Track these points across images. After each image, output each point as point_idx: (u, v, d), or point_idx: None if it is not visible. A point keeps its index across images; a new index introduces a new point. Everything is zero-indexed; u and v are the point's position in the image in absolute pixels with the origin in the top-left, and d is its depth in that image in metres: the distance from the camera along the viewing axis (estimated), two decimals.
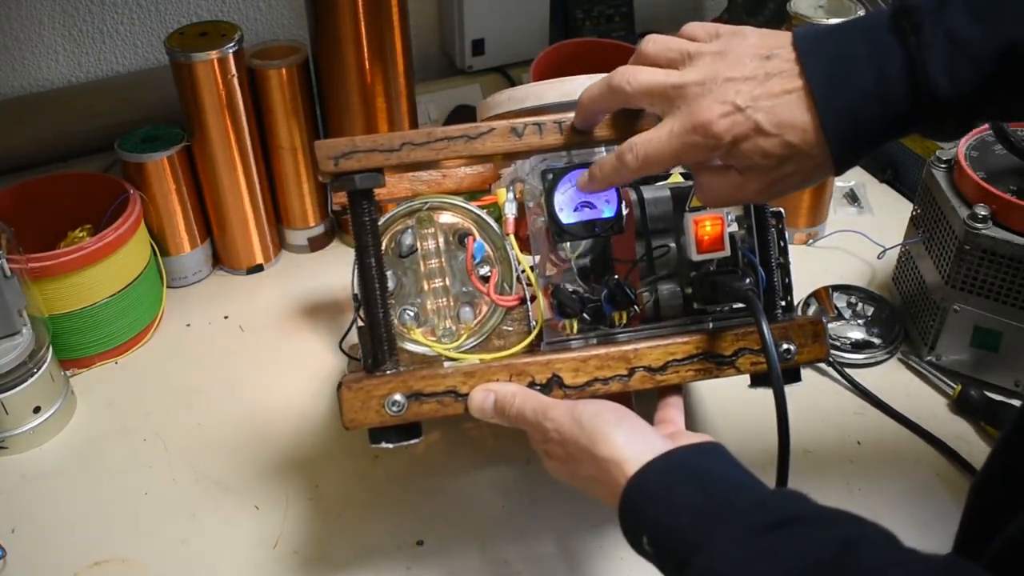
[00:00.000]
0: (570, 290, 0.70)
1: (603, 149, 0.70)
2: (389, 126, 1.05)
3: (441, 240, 0.73)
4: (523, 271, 0.71)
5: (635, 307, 0.69)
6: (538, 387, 0.68)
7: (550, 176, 0.69)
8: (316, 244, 1.13)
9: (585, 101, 0.65)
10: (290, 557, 0.79)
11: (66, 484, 0.86)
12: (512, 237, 0.70)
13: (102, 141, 1.06)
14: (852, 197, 1.17)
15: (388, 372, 0.68)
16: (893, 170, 1.20)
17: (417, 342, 0.71)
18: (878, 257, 1.06)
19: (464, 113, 1.21)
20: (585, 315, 0.70)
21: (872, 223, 1.13)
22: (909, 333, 0.98)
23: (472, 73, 1.24)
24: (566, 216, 0.69)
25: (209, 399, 0.94)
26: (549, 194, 0.69)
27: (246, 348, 1.00)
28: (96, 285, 0.94)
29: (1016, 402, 0.90)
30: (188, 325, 1.03)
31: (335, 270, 1.09)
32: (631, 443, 0.59)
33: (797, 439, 0.68)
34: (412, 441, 0.69)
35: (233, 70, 0.98)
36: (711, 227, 0.68)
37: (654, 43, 0.62)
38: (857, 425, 0.89)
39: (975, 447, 0.87)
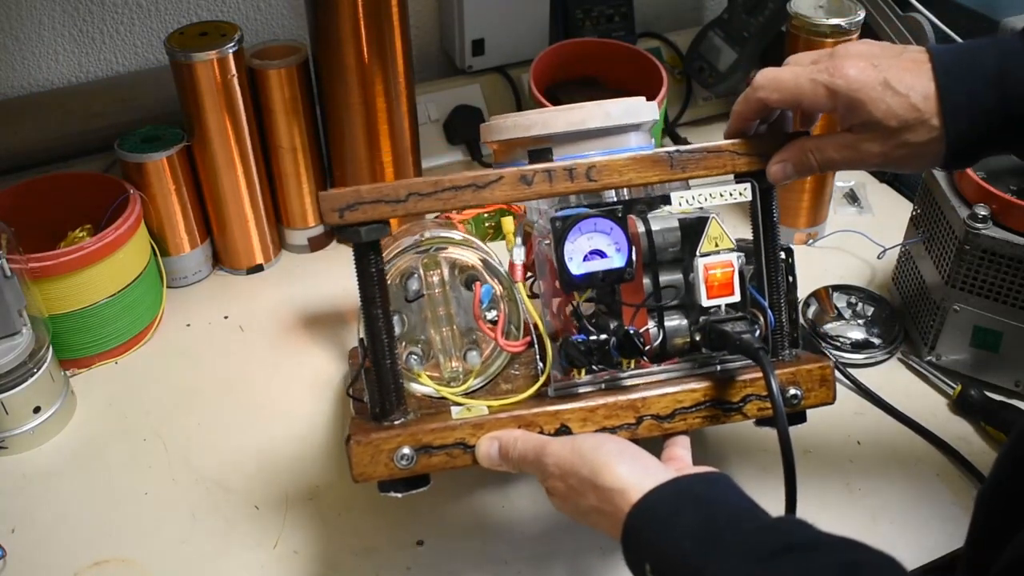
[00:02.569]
0: (578, 339, 0.68)
1: (612, 194, 0.69)
2: (389, 126, 1.05)
3: (448, 282, 0.72)
4: (533, 323, 0.70)
5: (644, 356, 0.68)
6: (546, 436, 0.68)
7: (559, 224, 0.67)
8: (316, 244, 1.13)
9: (731, 114, 0.69)
10: (290, 557, 0.79)
11: (66, 484, 0.86)
12: (521, 285, 0.68)
13: (102, 141, 1.06)
14: (852, 197, 1.17)
15: (396, 422, 0.67)
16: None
17: (423, 384, 0.71)
18: (878, 257, 1.06)
19: (464, 113, 1.21)
20: (594, 367, 0.69)
21: (872, 223, 1.13)
22: (909, 333, 0.98)
23: (472, 73, 1.24)
24: (576, 266, 0.67)
25: (209, 399, 0.94)
26: (559, 244, 0.67)
27: (246, 348, 1.00)
28: (96, 285, 0.94)
29: (1016, 402, 0.90)
30: (188, 325, 1.03)
31: (335, 270, 1.09)
32: (633, 472, 0.59)
33: (797, 439, 0.68)
34: (420, 489, 0.68)
35: (233, 70, 0.98)
36: (722, 273, 0.68)
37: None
38: (857, 425, 0.89)
39: (975, 447, 0.87)
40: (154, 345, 1.01)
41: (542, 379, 0.69)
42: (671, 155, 0.67)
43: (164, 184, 1.01)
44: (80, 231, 1.01)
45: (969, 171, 0.88)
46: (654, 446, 0.67)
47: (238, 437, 0.90)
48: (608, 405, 0.68)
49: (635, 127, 0.72)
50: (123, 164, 1.01)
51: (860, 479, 0.84)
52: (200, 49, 0.96)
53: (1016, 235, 0.84)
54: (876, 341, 0.96)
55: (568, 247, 0.67)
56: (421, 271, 0.72)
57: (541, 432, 0.67)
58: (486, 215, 0.86)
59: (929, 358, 0.93)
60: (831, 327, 0.97)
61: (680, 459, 0.67)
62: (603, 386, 0.70)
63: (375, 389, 0.68)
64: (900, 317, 0.98)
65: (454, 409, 0.69)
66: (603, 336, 0.68)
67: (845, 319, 0.98)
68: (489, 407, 0.69)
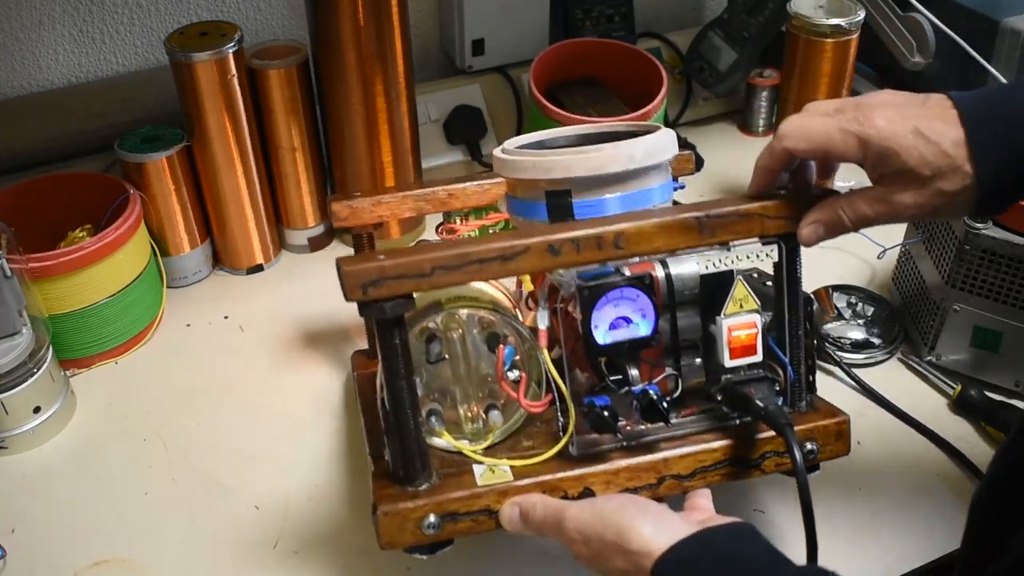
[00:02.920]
0: (602, 403, 0.67)
1: (636, 260, 0.68)
2: (389, 126, 1.05)
3: (469, 341, 0.71)
4: (557, 388, 0.69)
5: (668, 422, 0.68)
6: (570, 499, 0.67)
7: (586, 293, 0.65)
8: (316, 244, 1.13)
9: (756, 167, 0.67)
10: (290, 557, 0.79)
11: (66, 484, 0.86)
12: (546, 351, 0.67)
13: (102, 141, 1.06)
14: None
15: (422, 488, 0.67)
16: None
17: (445, 441, 0.70)
18: (878, 257, 1.06)
19: (464, 113, 1.21)
20: (619, 434, 0.69)
21: None
22: (909, 333, 0.98)
23: (472, 73, 1.24)
24: (601, 334, 0.66)
25: (209, 399, 0.94)
26: (586, 313, 0.65)
27: (246, 348, 1.00)
28: (96, 285, 0.94)
29: (1016, 402, 0.90)
30: (188, 325, 1.03)
31: (335, 270, 1.09)
32: (659, 532, 0.58)
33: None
34: (445, 550, 0.68)
35: (233, 70, 0.98)
36: (746, 335, 0.68)
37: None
38: (858, 425, 0.89)
39: (975, 447, 0.87)
40: (154, 345, 1.01)
41: (564, 440, 0.69)
42: (700, 221, 0.65)
43: (164, 184, 1.01)
44: (80, 231, 1.01)
45: None
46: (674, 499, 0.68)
47: (238, 437, 0.90)
48: (630, 467, 0.68)
49: (656, 166, 0.71)
50: (123, 164, 1.01)
51: (860, 479, 0.84)
52: (200, 49, 0.96)
53: (1016, 235, 0.84)
54: (876, 341, 0.96)
55: (595, 315, 0.66)
56: (442, 331, 0.70)
57: (565, 496, 0.67)
58: (490, 225, 0.86)
59: (929, 358, 0.94)
60: (831, 327, 0.97)
61: (703, 509, 0.67)
62: (624, 444, 0.70)
63: (399, 454, 0.67)
64: (900, 317, 0.99)
65: (477, 469, 0.69)
66: (625, 390, 0.67)
67: (845, 319, 0.98)
68: (512, 467, 0.69)
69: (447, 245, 0.63)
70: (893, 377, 0.94)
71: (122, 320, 0.97)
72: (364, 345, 0.94)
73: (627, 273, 0.67)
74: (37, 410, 0.88)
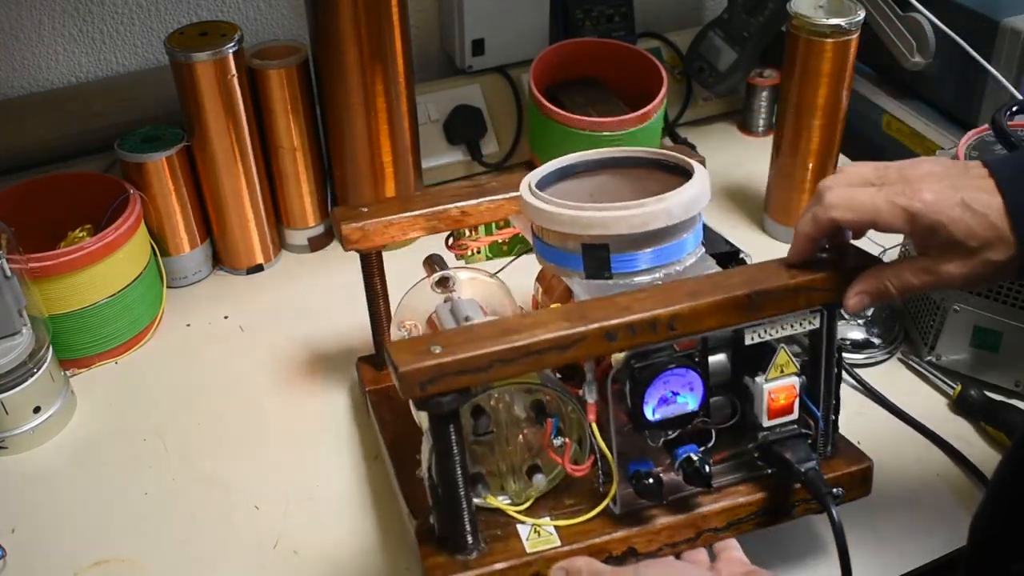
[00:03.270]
0: (645, 468, 0.68)
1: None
2: (389, 126, 1.05)
3: (516, 412, 0.71)
4: (602, 453, 0.68)
5: (711, 486, 0.68)
6: (614, 559, 0.68)
7: (639, 374, 0.64)
8: (316, 244, 1.13)
9: (798, 234, 0.66)
10: (290, 557, 0.79)
11: (66, 484, 0.86)
12: (595, 425, 0.66)
13: (102, 141, 1.06)
14: None
15: (471, 557, 0.67)
16: None
17: (488, 504, 0.70)
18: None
19: (464, 113, 1.21)
20: (664, 502, 0.70)
21: None
22: (909, 333, 0.98)
23: (472, 73, 1.24)
24: (650, 410, 0.66)
25: (209, 399, 0.94)
26: (638, 394, 0.65)
27: (246, 348, 1.00)
28: (96, 285, 0.94)
29: (1016, 402, 0.90)
30: (188, 325, 1.03)
31: (335, 270, 1.09)
32: None
33: None
34: None
35: (233, 70, 0.98)
36: (784, 398, 0.68)
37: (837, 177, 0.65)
38: (857, 424, 0.89)
39: (975, 447, 0.87)
40: (154, 345, 1.01)
41: (607, 500, 0.69)
42: (751, 299, 0.65)
43: (164, 184, 1.01)
44: (80, 231, 1.01)
45: None
46: None
47: (238, 437, 0.90)
48: (671, 526, 0.69)
49: (692, 220, 0.71)
50: (123, 164, 1.01)
51: None
52: (200, 49, 0.96)
53: None
54: (876, 341, 0.96)
55: (646, 394, 0.65)
56: (490, 405, 0.70)
57: (609, 556, 0.68)
58: (502, 241, 0.86)
59: (929, 358, 0.94)
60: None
61: (737, 561, 0.67)
62: (665, 502, 0.70)
63: (448, 526, 0.67)
64: (900, 317, 0.98)
65: (521, 529, 0.69)
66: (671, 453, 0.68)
67: (845, 319, 0.98)
68: (556, 527, 0.69)
69: (502, 334, 0.61)
70: (893, 377, 0.94)
71: (122, 320, 0.97)
72: (364, 345, 0.94)
73: (676, 348, 0.66)
74: (37, 410, 0.88)
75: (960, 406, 0.90)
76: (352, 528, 0.81)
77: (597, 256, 0.70)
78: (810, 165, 1.07)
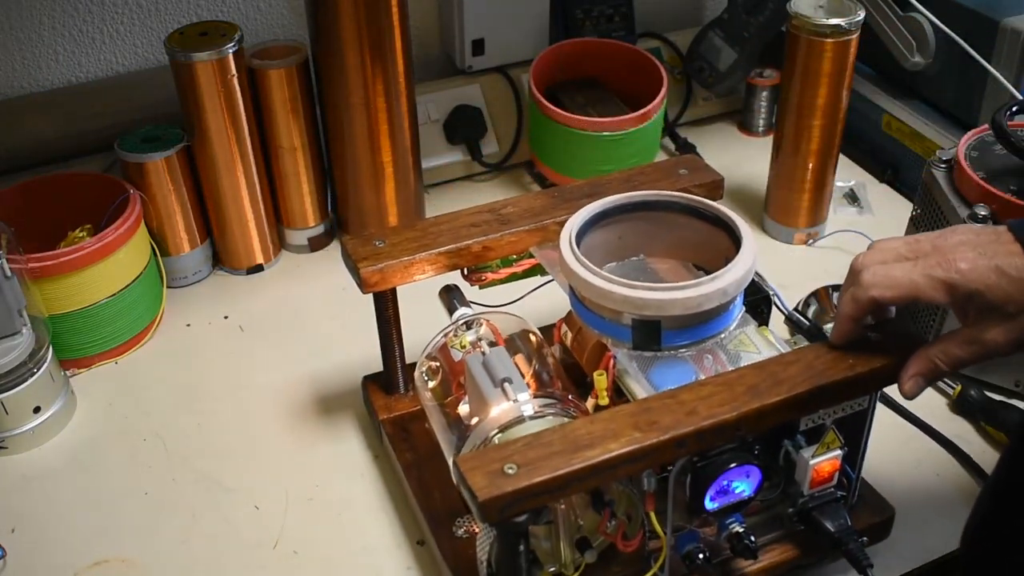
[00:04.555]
0: (695, 546, 0.68)
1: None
2: (389, 126, 1.05)
3: (575, 501, 0.70)
4: (657, 539, 0.69)
5: (756, 557, 0.70)
6: None
7: (701, 467, 0.64)
8: (316, 244, 1.13)
9: (841, 316, 0.67)
10: (290, 557, 0.79)
11: (66, 484, 0.86)
12: (652, 514, 0.66)
13: (102, 141, 1.06)
14: (852, 197, 1.17)
15: None
16: (893, 170, 1.20)
17: None
18: None
19: (464, 113, 1.21)
20: (713, 572, 0.70)
21: (872, 223, 1.13)
22: None
23: (472, 73, 1.24)
24: (708, 500, 0.65)
25: (209, 399, 0.94)
26: (698, 488, 0.65)
27: (246, 348, 1.00)
28: (96, 285, 0.94)
29: (1016, 402, 0.90)
30: (188, 325, 1.03)
31: (335, 270, 1.09)
32: None
33: None
34: None
35: (233, 70, 0.98)
36: (828, 470, 0.69)
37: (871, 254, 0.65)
38: None
39: (975, 447, 0.87)
40: (154, 345, 1.01)
41: (655, 568, 0.69)
42: (813, 394, 0.65)
43: (164, 184, 1.01)
44: (80, 231, 1.01)
45: (969, 171, 0.88)
46: None
47: (238, 437, 0.90)
48: None
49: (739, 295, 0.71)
50: (123, 164, 1.01)
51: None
52: (200, 49, 0.96)
53: None
54: None
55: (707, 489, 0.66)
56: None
57: None
58: (520, 273, 0.85)
59: None
60: (830, 327, 0.97)
61: None
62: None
63: None
64: (900, 317, 0.98)
65: None
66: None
67: None
68: None
69: (575, 449, 0.60)
70: None
71: (122, 320, 0.97)
72: (364, 343, 0.94)
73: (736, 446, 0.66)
74: (37, 410, 0.88)
75: (960, 406, 0.90)
76: (352, 528, 0.81)
77: (647, 332, 0.69)
78: (810, 165, 1.07)
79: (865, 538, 0.72)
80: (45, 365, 0.88)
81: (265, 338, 1.01)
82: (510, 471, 0.59)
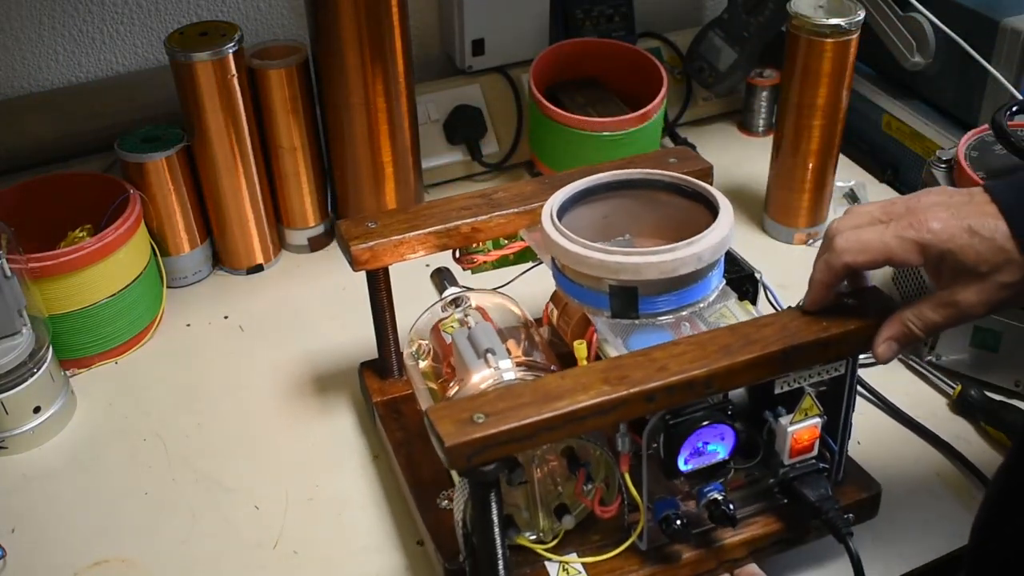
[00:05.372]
0: (673, 511, 0.68)
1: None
2: (389, 126, 1.05)
3: (550, 461, 0.71)
4: (631, 495, 0.69)
5: (734, 524, 0.69)
6: None
7: (673, 426, 0.65)
8: (316, 244, 1.13)
9: (815, 281, 0.66)
10: (290, 557, 0.79)
11: (66, 484, 0.86)
12: (627, 475, 0.67)
13: (102, 141, 1.06)
14: (852, 197, 1.17)
15: None
16: (893, 170, 1.20)
17: (520, 544, 0.70)
18: None
19: (464, 113, 1.21)
20: (691, 540, 0.71)
21: None
22: None
23: (472, 73, 1.24)
24: (682, 461, 0.65)
25: (209, 399, 0.94)
26: (671, 447, 0.65)
27: (246, 348, 1.00)
28: (96, 285, 0.94)
29: (1016, 402, 0.90)
30: (188, 325, 1.03)
31: (335, 270, 1.09)
32: None
33: None
34: None
35: (233, 70, 0.98)
36: (807, 437, 0.69)
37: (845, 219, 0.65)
38: (857, 425, 0.89)
39: (975, 447, 0.87)
40: (154, 345, 1.01)
41: (633, 536, 0.70)
42: (786, 354, 0.65)
43: (164, 184, 1.01)
44: (80, 231, 1.01)
45: (969, 171, 0.88)
46: None
47: (238, 437, 0.90)
48: (695, 560, 0.71)
49: (718, 260, 0.71)
50: (123, 164, 1.01)
51: None
52: (200, 49, 0.96)
53: None
54: None
55: (680, 448, 0.66)
56: (524, 457, 0.70)
57: None
58: (511, 255, 0.85)
59: (929, 358, 0.93)
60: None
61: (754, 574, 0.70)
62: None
63: (482, 573, 0.67)
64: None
65: (550, 567, 0.70)
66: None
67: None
68: (584, 564, 0.70)
69: (544, 400, 0.61)
70: (893, 377, 0.94)
71: (122, 320, 0.97)
72: (365, 346, 0.94)
73: (708, 400, 0.66)
74: (37, 410, 0.88)
75: (960, 406, 0.90)
76: (352, 528, 0.81)
77: (624, 298, 0.69)
78: (810, 165, 1.07)
79: (851, 515, 0.72)
80: (45, 365, 0.88)
81: (265, 338, 1.01)
82: (479, 419, 0.59)
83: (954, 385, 0.90)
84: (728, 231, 0.70)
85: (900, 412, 0.90)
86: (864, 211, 0.64)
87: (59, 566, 0.78)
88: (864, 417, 0.90)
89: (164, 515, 0.83)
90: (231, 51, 0.97)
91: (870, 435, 0.88)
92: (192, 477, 0.86)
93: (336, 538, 0.80)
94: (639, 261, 0.67)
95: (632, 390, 0.62)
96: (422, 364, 0.80)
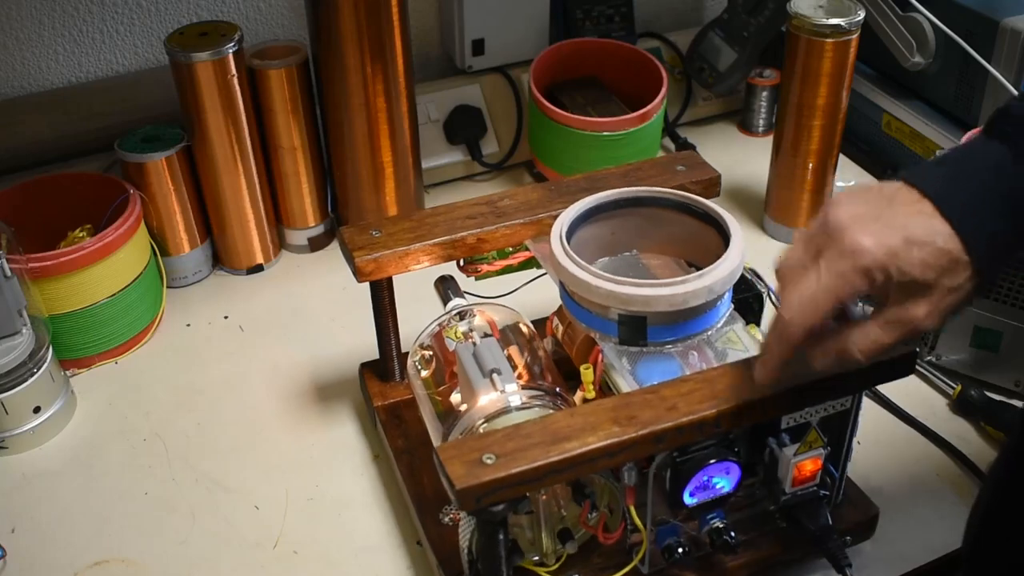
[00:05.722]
0: (675, 539, 0.69)
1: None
2: (389, 126, 1.05)
3: (558, 492, 0.71)
4: (634, 523, 0.69)
5: (735, 552, 0.69)
6: None
7: (680, 463, 0.65)
8: (316, 244, 1.13)
9: (771, 354, 0.60)
10: (290, 557, 0.79)
11: (66, 484, 0.86)
12: (632, 508, 0.67)
13: (102, 141, 1.06)
14: None
15: None
16: (893, 170, 1.20)
17: (521, 567, 0.70)
18: None
19: (464, 113, 1.21)
20: (692, 565, 0.71)
21: None
22: None
23: (472, 73, 1.24)
24: (687, 495, 0.66)
25: (209, 399, 0.94)
26: (677, 483, 0.65)
27: (246, 348, 1.00)
28: (96, 285, 0.94)
29: (1016, 402, 0.90)
30: (188, 325, 1.03)
31: (335, 270, 1.09)
32: None
33: None
34: None
35: (233, 70, 0.98)
36: (810, 469, 0.69)
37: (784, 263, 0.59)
38: (858, 425, 0.89)
39: (975, 447, 0.87)
40: (154, 345, 1.01)
41: (635, 560, 0.70)
42: (797, 393, 0.65)
43: (164, 184, 1.01)
44: (80, 231, 1.01)
45: None
46: None
47: (238, 437, 0.90)
48: None
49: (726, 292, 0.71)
50: (123, 164, 1.01)
51: (860, 479, 0.84)
52: (200, 49, 0.96)
53: None
54: None
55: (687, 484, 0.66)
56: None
57: None
58: (515, 265, 0.85)
59: (929, 358, 0.93)
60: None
61: None
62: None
63: None
64: None
65: None
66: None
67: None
68: None
69: (553, 441, 0.61)
70: None
71: (122, 320, 0.97)
72: (364, 346, 0.94)
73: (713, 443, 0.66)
74: (37, 410, 0.88)
75: (960, 406, 0.90)
76: (352, 528, 0.81)
77: (633, 327, 0.69)
78: (810, 165, 1.07)
79: (848, 538, 0.72)
80: (45, 365, 0.88)
81: (265, 338, 1.01)
82: (488, 461, 0.59)
83: (954, 385, 0.90)
84: (739, 261, 0.70)
85: (900, 411, 0.90)
86: (791, 264, 0.58)
87: (59, 566, 0.78)
88: (864, 417, 0.89)
89: (164, 515, 0.83)
90: (231, 51, 0.97)
91: (870, 435, 0.88)
92: (192, 477, 0.86)
93: (336, 538, 0.80)
94: (649, 294, 0.67)
95: (642, 432, 0.62)
96: (424, 373, 0.80)
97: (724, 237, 0.72)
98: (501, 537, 0.63)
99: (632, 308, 0.68)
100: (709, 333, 0.71)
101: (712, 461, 0.64)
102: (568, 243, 0.72)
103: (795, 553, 0.74)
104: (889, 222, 0.54)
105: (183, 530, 0.81)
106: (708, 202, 0.75)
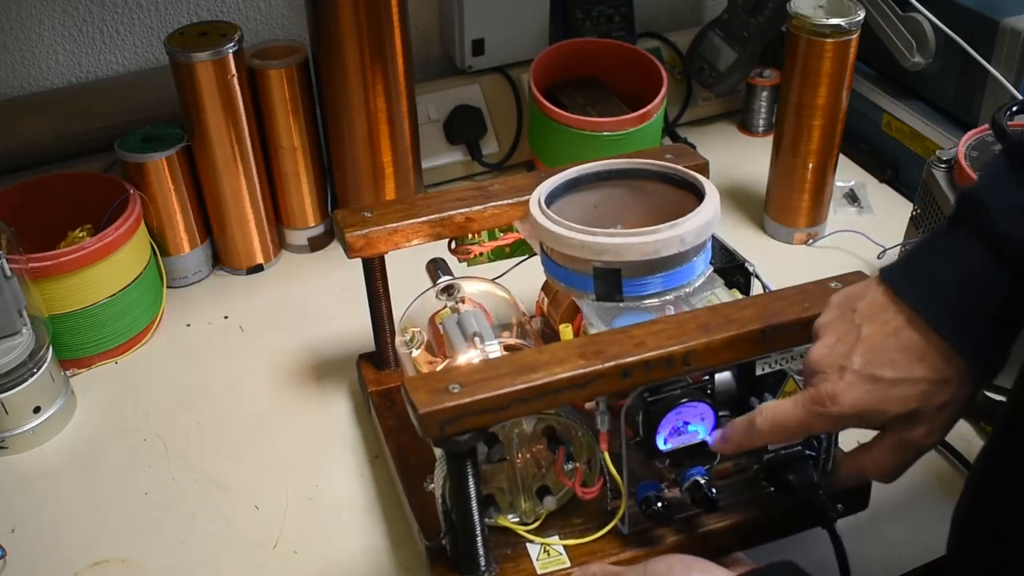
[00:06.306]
0: (654, 493, 0.68)
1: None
2: (389, 126, 1.05)
3: (525, 431, 0.71)
4: (612, 477, 0.69)
5: (716, 508, 0.69)
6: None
7: (651, 403, 0.65)
8: (316, 244, 1.13)
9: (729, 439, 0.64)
10: (290, 557, 0.79)
11: (66, 484, 0.86)
12: (607, 454, 0.67)
13: (102, 141, 1.06)
14: (852, 197, 1.17)
15: None
16: (893, 170, 1.20)
17: (499, 523, 0.70)
18: (878, 257, 1.06)
19: (464, 113, 1.21)
20: (674, 524, 0.70)
21: (872, 223, 1.13)
22: None
23: (472, 73, 1.24)
24: (662, 440, 0.66)
25: (209, 399, 0.94)
26: (650, 425, 0.65)
27: (246, 348, 1.00)
28: (96, 285, 0.94)
29: None
30: (188, 325, 1.03)
31: (335, 270, 1.09)
32: None
33: None
34: None
35: (233, 70, 0.98)
36: None
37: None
38: None
39: (975, 447, 0.86)
40: (154, 345, 1.01)
41: (615, 520, 0.70)
42: (765, 334, 0.65)
43: (164, 184, 1.01)
44: (80, 231, 1.01)
45: (969, 171, 0.88)
46: None
47: (238, 437, 0.90)
48: (678, 544, 0.70)
49: (703, 245, 0.71)
50: (123, 164, 1.01)
51: None
52: (200, 49, 0.96)
53: None
54: None
55: (659, 426, 0.66)
56: (503, 433, 0.70)
57: None
58: (507, 247, 0.86)
59: None
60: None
61: (742, 561, 0.69)
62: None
63: (462, 551, 0.67)
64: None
65: (532, 549, 0.70)
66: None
67: None
68: (566, 546, 0.70)
69: (520, 371, 0.61)
70: None
71: (122, 320, 0.97)
72: (364, 345, 0.94)
73: (689, 380, 0.66)
74: (37, 410, 0.88)
75: None
76: (352, 528, 0.81)
77: (608, 280, 0.70)
78: (810, 165, 1.07)
79: (841, 505, 0.71)
80: (45, 365, 0.88)
81: (265, 338, 1.01)
82: (454, 389, 0.60)
83: None
84: (712, 215, 0.70)
85: None
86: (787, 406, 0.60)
87: (59, 566, 0.78)
88: None
89: (164, 515, 0.83)
90: (231, 51, 0.97)
91: (870, 435, 0.88)
92: (192, 477, 0.86)
93: (336, 538, 0.80)
94: (622, 242, 0.68)
95: (608, 364, 0.62)
96: (415, 352, 0.80)
97: (703, 201, 0.72)
98: (470, 475, 0.63)
99: (605, 258, 0.68)
100: (687, 291, 0.71)
101: (684, 400, 0.64)
102: (548, 209, 0.73)
103: (783, 518, 0.72)
104: (855, 358, 0.55)
105: (183, 530, 0.81)
106: (685, 169, 0.75)
